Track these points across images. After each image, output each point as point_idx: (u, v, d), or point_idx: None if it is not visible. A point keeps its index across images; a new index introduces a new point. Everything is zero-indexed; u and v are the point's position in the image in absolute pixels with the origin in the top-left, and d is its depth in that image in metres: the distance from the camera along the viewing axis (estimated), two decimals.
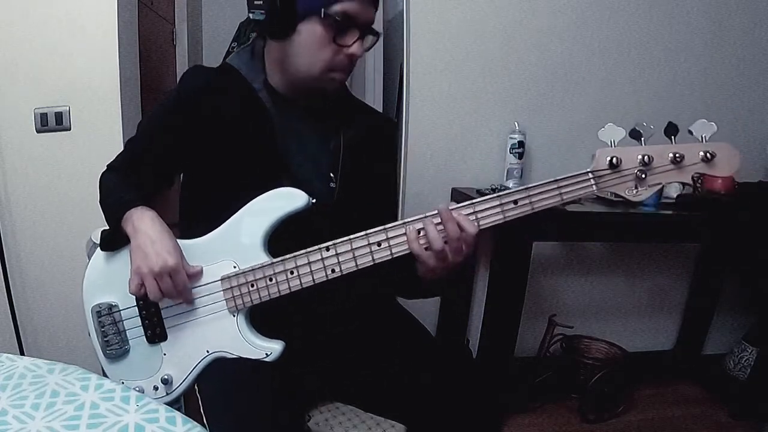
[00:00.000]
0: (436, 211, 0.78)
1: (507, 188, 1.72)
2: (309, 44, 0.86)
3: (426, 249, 0.78)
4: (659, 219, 1.57)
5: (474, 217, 0.77)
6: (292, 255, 0.82)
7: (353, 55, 0.86)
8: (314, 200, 0.84)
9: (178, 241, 0.85)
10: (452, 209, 0.77)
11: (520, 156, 1.75)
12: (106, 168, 0.98)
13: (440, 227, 0.77)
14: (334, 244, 0.80)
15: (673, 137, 0.72)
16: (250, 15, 0.87)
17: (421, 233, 0.78)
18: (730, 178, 1.66)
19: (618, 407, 1.85)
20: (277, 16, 0.84)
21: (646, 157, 0.72)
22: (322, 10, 0.82)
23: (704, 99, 1.93)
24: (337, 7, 0.83)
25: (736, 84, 1.95)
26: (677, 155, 0.71)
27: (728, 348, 2.07)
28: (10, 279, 1.62)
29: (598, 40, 1.83)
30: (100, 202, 0.93)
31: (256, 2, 0.85)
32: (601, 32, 1.83)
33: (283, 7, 0.83)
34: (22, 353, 1.65)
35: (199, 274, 0.85)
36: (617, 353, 1.92)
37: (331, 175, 0.95)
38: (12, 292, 1.62)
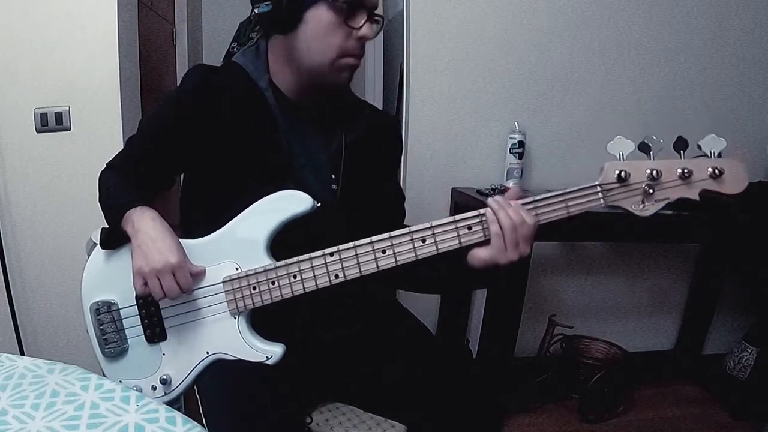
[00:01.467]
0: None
1: (507, 188, 1.73)
2: (318, 31, 0.84)
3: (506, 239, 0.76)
4: (659, 219, 1.55)
5: (480, 227, 0.78)
6: (295, 259, 0.81)
7: (364, 37, 0.85)
8: (319, 204, 0.83)
9: (181, 240, 0.85)
10: (458, 218, 0.78)
11: (520, 156, 1.75)
12: (105, 166, 0.98)
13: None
14: (338, 249, 0.80)
15: (682, 152, 0.72)
16: (255, 9, 0.86)
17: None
18: None
19: (618, 407, 1.85)
20: (283, 6, 0.83)
21: (654, 172, 0.72)
22: None
23: (704, 99, 1.93)
24: None
25: (736, 84, 1.95)
26: (686, 171, 0.71)
27: (728, 348, 2.07)
28: (10, 279, 1.62)
29: (598, 40, 1.83)
30: (99, 201, 0.93)
31: None
32: (601, 32, 1.83)
33: None
34: (22, 353, 1.65)
35: (203, 273, 0.85)
36: (617, 353, 1.92)
37: (333, 176, 0.94)
38: (12, 292, 1.62)
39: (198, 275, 0.85)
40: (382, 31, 0.92)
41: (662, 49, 1.88)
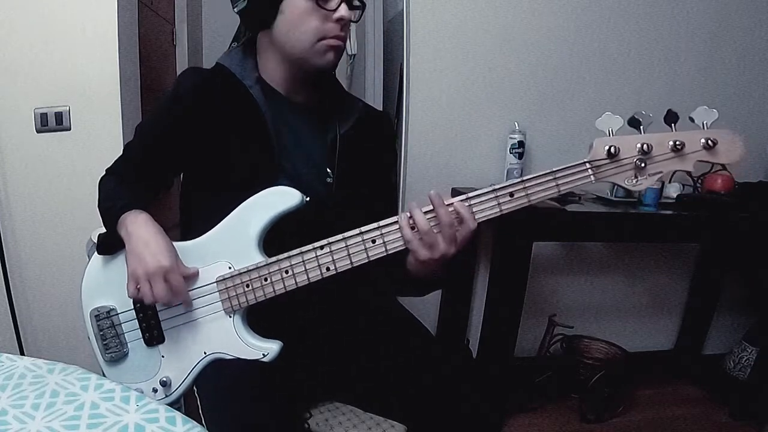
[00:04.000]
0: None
1: None
2: (295, 18, 0.86)
3: (420, 239, 0.77)
4: (659, 219, 1.57)
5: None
6: (286, 254, 0.82)
7: (342, 18, 0.85)
8: (308, 198, 0.83)
9: (175, 243, 0.85)
10: (449, 203, 0.76)
11: (520, 156, 1.75)
12: (105, 172, 0.99)
13: (431, 214, 0.76)
14: (328, 242, 0.80)
15: (673, 125, 0.71)
16: (234, 9, 0.88)
17: (412, 220, 0.77)
18: (729, 179, 1.66)
19: (618, 407, 1.85)
20: (257, 2, 0.86)
21: (645, 146, 0.71)
22: None
23: (704, 99, 1.90)
24: None
25: (736, 84, 1.95)
26: (677, 143, 0.70)
27: (728, 348, 2.07)
28: (10, 279, 1.62)
29: (598, 40, 1.83)
30: (98, 206, 0.93)
31: None
32: (601, 32, 1.83)
33: None
34: (22, 353, 1.65)
35: (196, 275, 0.85)
36: (617, 353, 1.92)
37: (328, 170, 0.94)
38: (12, 292, 1.62)
39: (191, 277, 0.85)
40: (361, 16, 0.91)
41: (662, 49, 1.88)
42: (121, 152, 1.00)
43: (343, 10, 0.85)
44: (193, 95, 0.91)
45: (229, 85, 0.92)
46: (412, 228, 0.77)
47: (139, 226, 0.83)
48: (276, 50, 0.90)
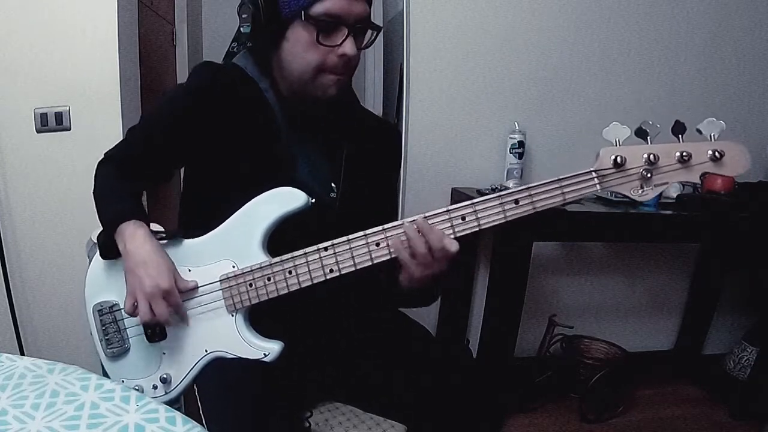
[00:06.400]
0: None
1: (507, 188, 1.72)
2: (297, 49, 0.84)
3: (412, 257, 0.77)
4: (659, 219, 1.57)
5: (474, 217, 0.77)
6: (290, 255, 0.82)
7: (345, 54, 0.83)
8: (313, 200, 0.83)
9: (179, 241, 0.85)
10: (451, 208, 0.77)
11: (520, 156, 1.75)
12: (104, 156, 0.96)
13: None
14: (332, 244, 0.80)
15: (680, 136, 0.71)
16: (241, 28, 0.87)
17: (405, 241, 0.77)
18: (729, 179, 1.66)
19: (618, 407, 1.85)
20: (262, 28, 0.83)
21: (652, 156, 0.71)
22: (303, 12, 0.80)
23: (704, 99, 1.93)
24: (318, 8, 0.80)
25: (737, 84, 1.95)
26: (684, 154, 0.70)
27: (728, 348, 2.07)
28: (10, 279, 1.62)
29: (598, 40, 1.83)
30: (93, 193, 0.92)
31: (243, 16, 0.84)
32: (601, 32, 1.83)
33: (267, 16, 0.82)
34: (22, 353, 1.65)
35: (195, 288, 0.85)
36: (617, 353, 1.92)
37: (333, 185, 0.94)
38: (12, 292, 1.62)
39: (190, 290, 0.85)
40: (375, 39, 0.89)
41: (662, 49, 1.88)
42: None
43: (347, 47, 0.82)
44: (207, 90, 0.89)
45: (245, 86, 0.91)
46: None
47: (136, 244, 0.82)
48: (281, 68, 0.89)
